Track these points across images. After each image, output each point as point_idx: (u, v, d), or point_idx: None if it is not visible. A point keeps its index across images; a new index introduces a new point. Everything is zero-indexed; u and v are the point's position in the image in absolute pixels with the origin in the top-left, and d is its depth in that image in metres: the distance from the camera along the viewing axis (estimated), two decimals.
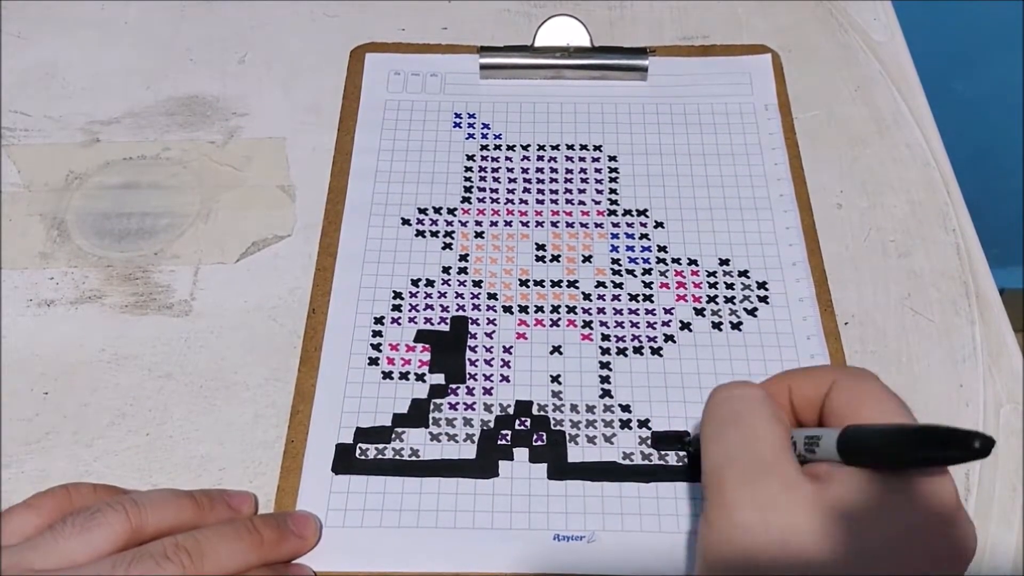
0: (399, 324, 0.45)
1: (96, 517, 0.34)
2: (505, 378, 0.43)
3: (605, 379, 0.43)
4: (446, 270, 0.46)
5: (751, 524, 0.29)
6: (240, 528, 0.35)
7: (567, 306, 0.45)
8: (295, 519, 0.37)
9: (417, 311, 0.45)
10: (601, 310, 0.45)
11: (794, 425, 0.34)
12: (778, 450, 0.31)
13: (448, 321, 0.45)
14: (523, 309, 0.45)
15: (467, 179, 0.50)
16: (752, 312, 0.45)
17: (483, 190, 0.50)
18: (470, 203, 0.49)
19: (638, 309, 0.45)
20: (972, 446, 0.27)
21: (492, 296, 0.46)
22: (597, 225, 0.48)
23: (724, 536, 0.30)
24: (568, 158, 0.51)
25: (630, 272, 0.46)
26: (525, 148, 0.52)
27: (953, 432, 0.27)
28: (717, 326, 0.44)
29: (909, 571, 0.28)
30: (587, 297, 0.46)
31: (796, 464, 0.31)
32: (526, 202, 0.49)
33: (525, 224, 0.48)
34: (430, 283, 0.46)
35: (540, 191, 0.50)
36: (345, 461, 0.40)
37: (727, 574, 0.30)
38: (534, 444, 0.41)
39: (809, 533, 0.29)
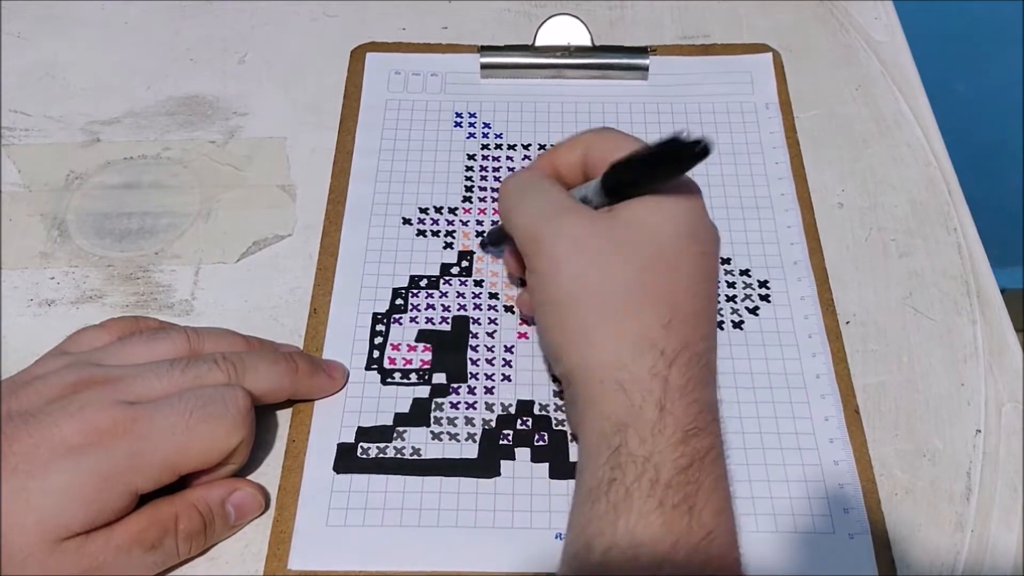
0: (400, 324, 0.45)
1: (159, 334, 0.40)
2: (506, 377, 0.43)
3: None
4: (447, 269, 0.46)
5: (569, 254, 0.36)
6: (280, 356, 0.40)
7: None
8: (327, 363, 0.43)
9: (418, 311, 0.45)
10: None
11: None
12: (569, 200, 0.38)
13: (449, 321, 0.45)
14: None
15: (468, 178, 0.50)
16: (754, 311, 0.45)
17: (484, 189, 0.50)
18: (471, 202, 0.49)
19: None
20: (692, 150, 0.33)
21: (493, 296, 0.46)
22: None
23: (551, 272, 0.36)
24: None
25: None
26: (526, 147, 0.52)
27: (672, 140, 0.34)
28: (719, 325, 0.44)
29: (692, 256, 0.36)
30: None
31: (585, 206, 0.38)
32: None
33: None
34: (431, 282, 0.46)
35: None
36: (347, 460, 0.40)
37: (559, 307, 0.36)
38: (536, 443, 0.41)
39: (614, 254, 0.35)
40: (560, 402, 0.42)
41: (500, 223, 0.43)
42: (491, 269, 0.47)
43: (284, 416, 0.42)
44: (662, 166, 0.35)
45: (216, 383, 0.37)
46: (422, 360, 0.43)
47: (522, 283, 0.45)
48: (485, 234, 0.47)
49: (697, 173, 0.50)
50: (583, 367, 0.35)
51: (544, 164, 0.41)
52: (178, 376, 0.37)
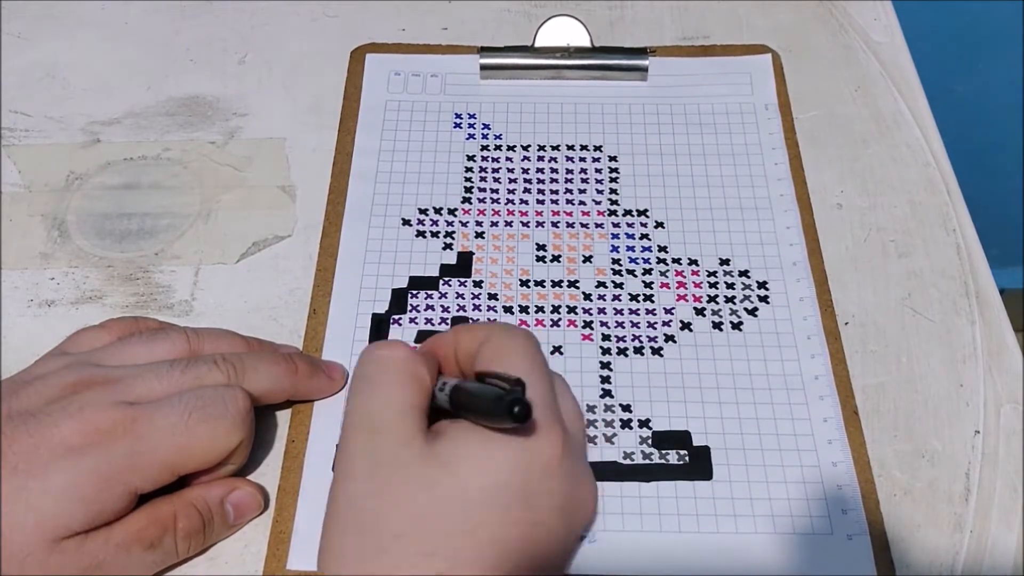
0: (400, 324, 0.45)
1: (159, 334, 0.39)
2: None
3: (606, 379, 0.43)
4: (447, 270, 0.46)
5: (363, 476, 0.33)
6: (280, 357, 0.40)
7: (567, 306, 0.45)
8: (327, 364, 0.42)
9: (418, 311, 0.45)
10: (601, 310, 0.45)
11: (457, 375, 0.37)
12: (400, 411, 0.33)
13: (449, 321, 0.45)
14: (524, 309, 0.45)
15: (467, 179, 0.50)
16: (752, 312, 0.45)
17: (483, 190, 0.50)
18: (470, 203, 0.49)
19: (638, 309, 0.45)
20: (511, 411, 0.29)
21: (493, 296, 0.46)
22: (597, 225, 0.48)
23: (341, 488, 0.33)
24: (568, 158, 0.51)
25: (630, 272, 0.46)
26: (525, 148, 0.52)
27: (501, 399, 0.30)
28: (717, 326, 0.45)
29: (505, 526, 0.30)
30: (587, 297, 0.46)
31: (417, 423, 0.33)
32: (526, 202, 0.49)
33: (525, 224, 0.48)
34: (431, 283, 0.46)
35: (540, 191, 0.50)
36: None
37: (343, 520, 0.33)
38: None
39: (417, 482, 0.31)
40: None
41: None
42: (491, 270, 0.47)
43: (284, 416, 0.42)
44: (480, 411, 0.32)
45: (216, 384, 0.37)
46: None
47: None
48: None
49: (696, 174, 0.50)
50: None
51: (442, 344, 0.38)
52: (178, 377, 0.37)
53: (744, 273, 0.46)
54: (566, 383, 0.39)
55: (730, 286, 0.46)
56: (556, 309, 0.45)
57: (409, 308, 0.45)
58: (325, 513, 0.34)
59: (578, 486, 0.32)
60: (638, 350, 0.44)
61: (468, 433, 0.32)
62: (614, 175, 0.50)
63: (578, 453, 0.32)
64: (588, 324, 0.45)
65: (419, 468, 0.32)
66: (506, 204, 0.49)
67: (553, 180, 0.50)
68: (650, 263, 0.47)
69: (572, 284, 0.46)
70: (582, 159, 0.51)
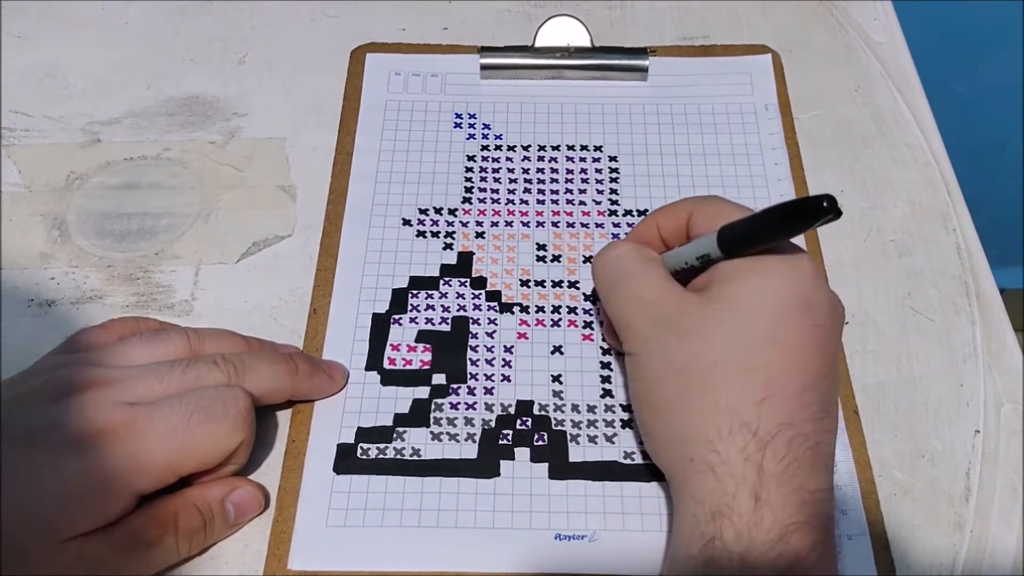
0: (400, 324, 0.45)
1: (160, 335, 0.40)
2: (506, 378, 0.43)
3: (606, 379, 0.43)
4: (447, 270, 0.46)
5: (658, 335, 0.35)
6: (280, 357, 0.40)
7: (568, 306, 0.45)
8: (328, 363, 0.43)
9: (418, 311, 0.45)
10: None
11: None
12: (660, 283, 0.37)
13: (449, 321, 0.45)
14: (524, 309, 0.45)
15: (468, 179, 0.50)
16: None
17: (484, 190, 0.50)
18: (471, 203, 0.49)
19: None
20: (820, 205, 0.33)
21: (493, 296, 0.46)
22: (598, 225, 0.48)
23: (640, 351, 0.36)
24: (568, 158, 0.51)
25: None
26: (526, 148, 0.52)
27: (804, 199, 0.34)
28: None
29: (798, 330, 0.34)
30: (588, 297, 0.46)
31: (678, 286, 0.37)
32: (527, 202, 0.49)
33: (526, 224, 0.48)
34: (431, 283, 0.46)
35: (541, 191, 0.50)
36: (346, 461, 0.40)
37: (647, 383, 0.36)
38: (535, 444, 0.41)
39: (715, 321, 0.34)
40: (559, 402, 0.42)
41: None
42: (491, 270, 0.47)
43: (284, 416, 0.42)
44: (786, 223, 0.34)
45: (216, 384, 0.37)
46: (422, 361, 0.43)
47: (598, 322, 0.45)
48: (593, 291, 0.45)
49: (696, 174, 0.50)
50: (670, 444, 0.35)
51: (644, 231, 0.41)
52: (178, 377, 0.37)
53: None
54: None
55: None
56: (556, 309, 0.45)
57: (409, 308, 0.45)
58: (634, 385, 0.37)
59: (830, 292, 0.36)
60: None
61: (738, 271, 0.35)
62: (614, 175, 0.50)
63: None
64: (588, 324, 0.45)
65: (712, 309, 0.34)
66: (506, 204, 0.49)
67: (553, 180, 0.50)
68: None
69: (572, 284, 0.46)
70: (582, 159, 0.51)
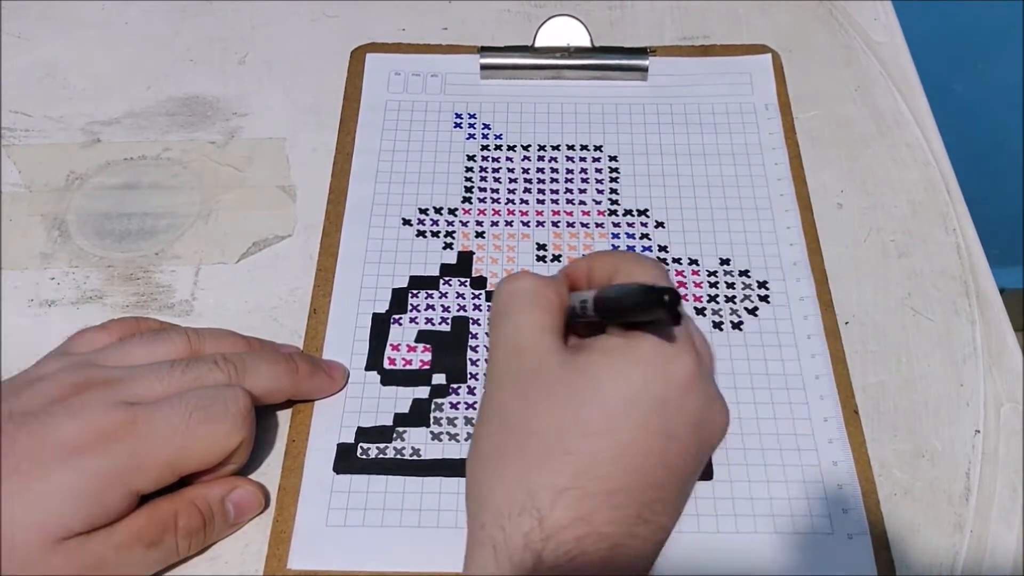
0: (400, 324, 0.45)
1: (160, 335, 0.40)
2: None
3: None
4: (447, 270, 0.46)
5: (509, 385, 0.32)
6: (280, 357, 0.40)
7: None
8: (328, 363, 0.43)
9: (418, 311, 0.45)
10: None
11: None
12: (540, 330, 0.33)
13: (449, 321, 0.45)
14: None
15: (468, 179, 0.50)
16: (753, 311, 0.45)
17: (484, 190, 0.50)
18: (471, 203, 0.49)
19: None
20: (661, 299, 0.29)
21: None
22: (598, 225, 0.48)
23: (488, 398, 0.33)
24: (569, 158, 0.51)
25: None
26: (526, 148, 0.52)
27: (650, 289, 0.30)
28: (718, 325, 0.45)
29: (638, 431, 0.31)
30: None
31: (555, 340, 0.33)
32: (527, 202, 0.49)
33: (526, 224, 0.48)
34: (431, 283, 0.46)
35: (541, 191, 0.50)
36: (346, 460, 0.40)
37: (489, 423, 0.32)
38: None
39: (560, 389, 0.31)
40: None
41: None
42: (491, 270, 0.47)
43: (284, 416, 0.42)
44: (620, 310, 0.32)
45: (216, 383, 0.37)
46: (422, 360, 0.43)
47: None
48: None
49: (696, 174, 0.50)
50: (471, 499, 0.32)
51: (574, 269, 0.38)
52: (178, 377, 0.37)
53: (744, 273, 0.46)
54: (689, 316, 0.37)
55: (730, 286, 0.46)
56: None
57: (409, 308, 0.45)
58: (476, 423, 0.34)
59: (711, 406, 0.32)
60: None
61: (608, 346, 0.32)
62: (614, 175, 0.50)
63: (709, 376, 0.33)
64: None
65: (562, 376, 0.32)
66: (506, 204, 0.49)
67: (553, 180, 0.50)
68: None
69: None
70: (582, 159, 0.51)
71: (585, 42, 0.54)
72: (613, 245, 0.47)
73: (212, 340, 0.40)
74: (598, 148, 0.52)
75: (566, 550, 0.29)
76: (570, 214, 0.49)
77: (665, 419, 0.31)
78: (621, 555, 0.30)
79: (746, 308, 0.45)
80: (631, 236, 0.48)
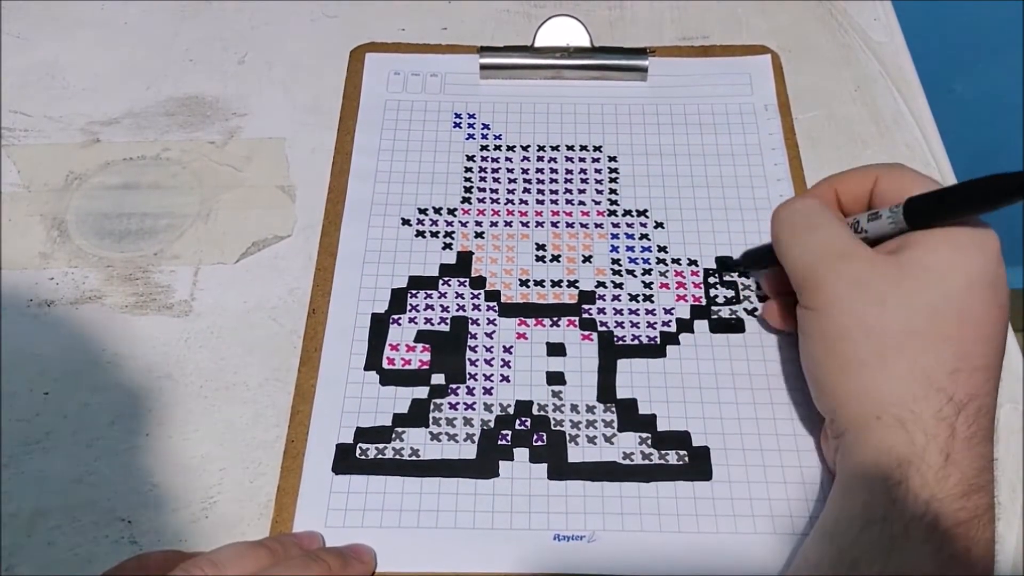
0: (399, 324, 0.45)
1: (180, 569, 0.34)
2: (505, 378, 0.43)
3: (605, 379, 0.43)
4: (446, 270, 0.46)
5: (848, 293, 0.36)
6: (308, 560, 0.36)
7: (568, 306, 0.45)
8: (352, 548, 0.38)
9: (417, 311, 0.45)
10: (601, 310, 0.45)
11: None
12: (850, 239, 0.37)
13: (448, 321, 0.45)
14: (524, 309, 0.45)
15: (467, 179, 0.50)
16: (752, 312, 0.45)
17: (483, 190, 0.50)
18: (470, 203, 0.49)
19: (638, 309, 0.45)
20: (1021, 183, 0.34)
21: (493, 296, 0.46)
22: (597, 225, 0.48)
23: (827, 309, 0.36)
24: (568, 158, 0.51)
25: (630, 272, 0.46)
26: (525, 148, 0.52)
27: (1002, 176, 0.35)
28: (717, 326, 0.44)
29: (985, 306, 0.35)
30: (587, 297, 0.46)
31: (866, 245, 0.37)
32: (526, 202, 0.49)
33: (525, 224, 0.48)
34: (430, 283, 0.46)
35: (540, 191, 0.50)
36: (345, 461, 0.40)
37: (833, 340, 0.36)
38: (534, 444, 0.41)
39: (897, 295, 0.35)
40: (558, 402, 0.42)
41: (765, 245, 0.42)
42: (490, 270, 0.47)
43: (283, 416, 0.42)
44: (981, 200, 0.35)
45: None
46: (421, 361, 0.43)
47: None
48: (744, 253, 0.46)
49: (695, 174, 0.50)
50: (854, 401, 0.35)
51: (822, 191, 0.41)
52: None
53: (744, 273, 0.46)
54: None
55: (730, 286, 0.46)
56: (556, 309, 0.45)
57: (409, 308, 0.45)
58: (818, 341, 0.37)
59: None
60: (638, 350, 0.44)
61: (925, 241, 0.36)
62: (614, 175, 0.50)
63: None
64: (588, 324, 0.45)
65: (908, 274, 0.35)
66: (506, 204, 0.49)
67: (553, 180, 0.50)
68: (650, 263, 0.47)
69: (572, 284, 0.46)
70: (582, 159, 0.51)
71: (585, 42, 0.54)
72: (612, 246, 0.47)
73: (232, 564, 0.35)
74: (597, 148, 0.52)
75: (970, 423, 0.34)
76: (569, 214, 0.49)
77: (997, 291, 0.35)
78: (993, 424, 0.35)
79: (745, 309, 0.45)
80: (630, 236, 0.48)
